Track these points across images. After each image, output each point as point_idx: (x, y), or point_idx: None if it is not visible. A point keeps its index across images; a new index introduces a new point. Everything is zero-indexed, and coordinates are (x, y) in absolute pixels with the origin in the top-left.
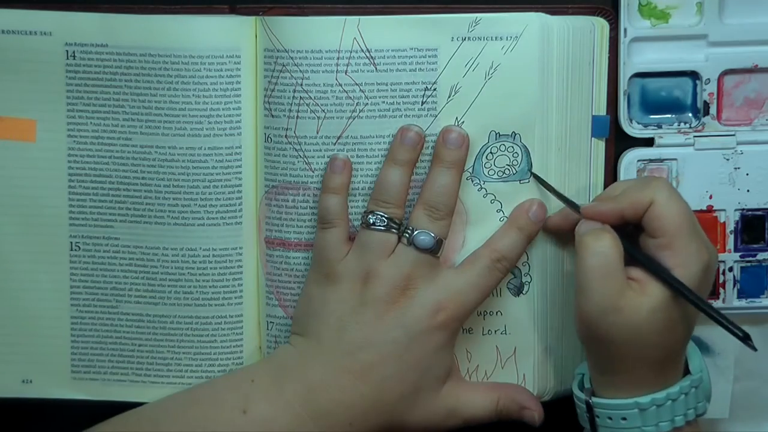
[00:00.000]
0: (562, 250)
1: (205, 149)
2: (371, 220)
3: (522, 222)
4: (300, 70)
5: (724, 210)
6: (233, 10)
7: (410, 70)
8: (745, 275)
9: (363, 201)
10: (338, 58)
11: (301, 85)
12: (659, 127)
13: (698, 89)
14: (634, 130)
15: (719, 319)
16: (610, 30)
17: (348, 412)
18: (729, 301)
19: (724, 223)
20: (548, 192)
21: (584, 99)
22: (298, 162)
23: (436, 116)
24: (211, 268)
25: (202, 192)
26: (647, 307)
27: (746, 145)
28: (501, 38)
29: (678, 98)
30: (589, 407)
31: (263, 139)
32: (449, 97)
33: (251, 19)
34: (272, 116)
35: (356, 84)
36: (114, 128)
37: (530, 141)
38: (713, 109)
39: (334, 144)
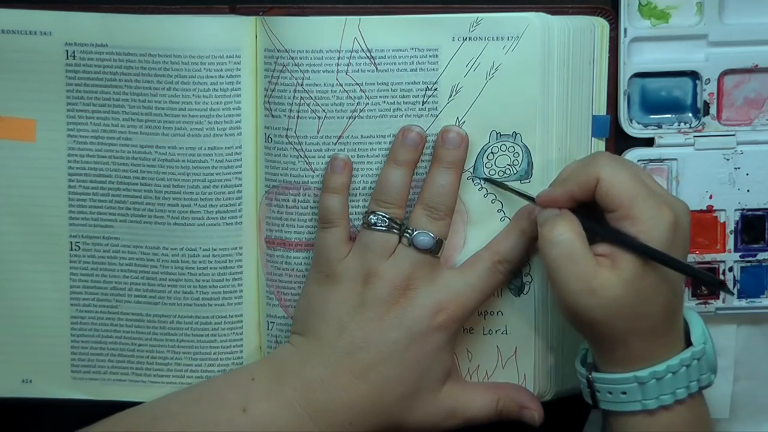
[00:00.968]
0: None
1: (205, 149)
2: (372, 221)
3: (524, 224)
4: (300, 70)
5: (724, 210)
6: (233, 10)
7: (411, 70)
8: (745, 275)
9: (364, 201)
10: (339, 58)
11: (302, 85)
12: (659, 127)
13: (698, 89)
14: (634, 130)
15: (690, 271)
16: (610, 30)
17: (348, 411)
18: (729, 301)
19: (724, 223)
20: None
21: (584, 99)
22: (299, 162)
23: (437, 116)
24: (211, 268)
25: (202, 192)
26: (621, 280)
27: (746, 145)
28: (502, 38)
29: (678, 98)
30: (590, 382)
31: (263, 139)
32: (450, 97)
33: (251, 19)
34: (272, 116)
35: (357, 84)
36: (114, 128)
37: (531, 141)
38: (713, 109)
39: (335, 144)
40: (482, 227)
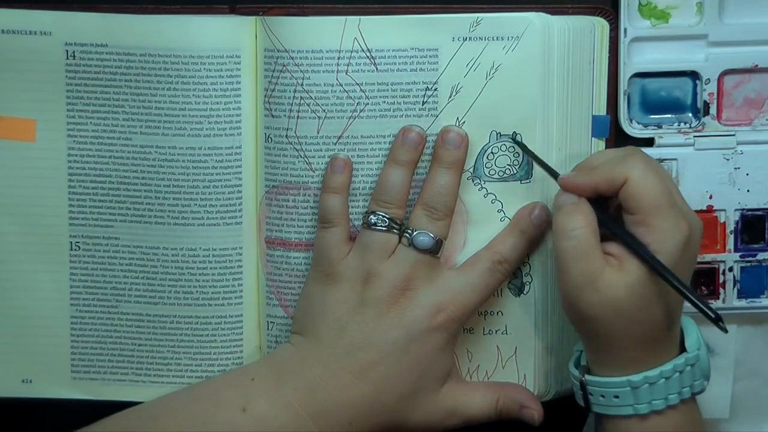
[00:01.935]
0: None
1: (205, 149)
2: (372, 221)
3: (524, 225)
4: (300, 70)
5: (724, 210)
6: (233, 10)
7: (411, 70)
8: (745, 275)
9: (364, 201)
10: (339, 58)
11: (302, 85)
12: (659, 127)
13: (698, 89)
14: (634, 130)
15: (691, 297)
16: (610, 30)
17: (347, 411)
18: (729, 301)
19: (724, 223)
20: (534, 163)
21: (584, 99)
22: (299, 162)
23: (437, 116)
24: (211, 268)
25: (202, 192)
26: (625, 283)
27: (746, 145)
28: (502, 38)
29: (678, 98)
30: (583, 385)
31: (263, 139)
32: (450, 97)
33: (251, 19)
34: (272, 116)
35: (357, 84)
36: (114, 128)
37: (531, 141)
38: (713, 109)
39: (335, 144)
40: (482, 227)
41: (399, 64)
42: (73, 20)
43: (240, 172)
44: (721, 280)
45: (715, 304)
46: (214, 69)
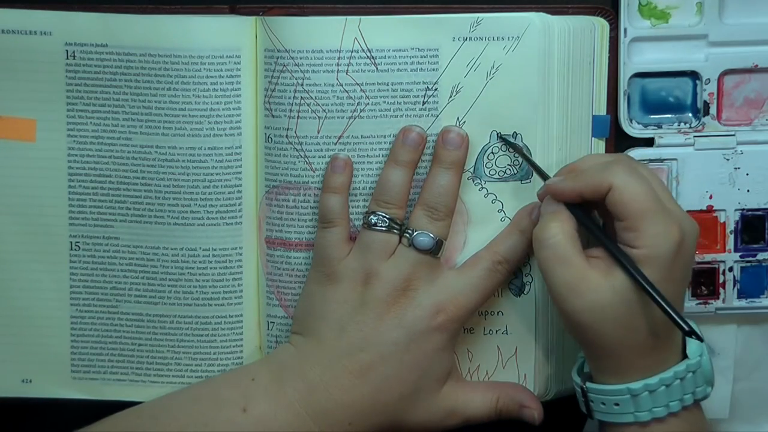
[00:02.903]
0: None
1: (205, 149)
2: (373, 221)
3: (524, 225)
4: (301, 70)
5: (724, 210)
6: (233, 10)
7: (411, 70)
8: (745, 275)
9: (364, 201)
10: (339, 58)
11: (302, 85)
12: (659, 127)
13: (698, 89)
14: (634, 130)
15: (668, 311)
16: (610, 30)
17: (347, 411)
18: (729, 301)
19: (724, 223)
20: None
21: (584, 99)
22: (299, 162)
23: (438, 116)
24: (211, 268)
25: (202, 192)
26: (611, 287)
27: (746, 145)
28: (502, 38)
29: (678, 98)
30: (584, 392)
31: (263, 139)
32: (450, 97)
33: (251, 19)
34: (273, 116)
35: (357, 84)
36: (114, 128)
37: (531, 141)
38: (713, 109)
39: (335, 144)
40: (483, 227)
41: (399, 64)
42: (73, 20)
43: (240, 172)
44: (721, 280)
45: (715, 303)
46: (214, 69)
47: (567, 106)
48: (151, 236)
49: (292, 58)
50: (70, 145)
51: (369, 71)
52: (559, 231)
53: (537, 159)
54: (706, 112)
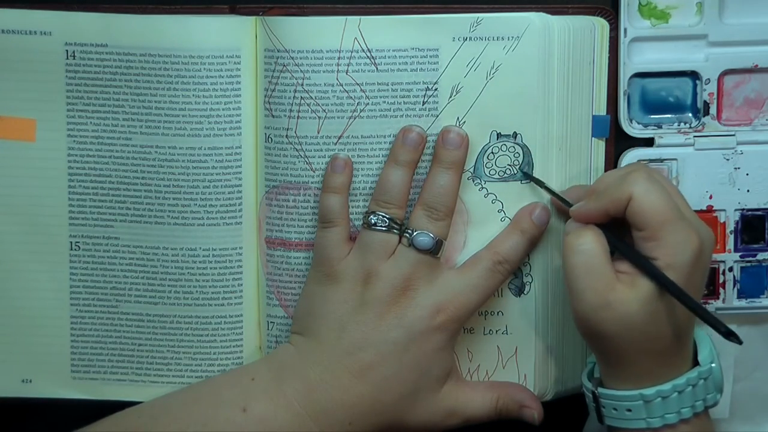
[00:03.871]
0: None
1: (205, 149)
2: (372, 221)
3: (525, 225)
4: (301, 70)
5: (724, 210)
6: (233, 10)
7: (411, 70)
8: (745, 275)
9: (364, 201)
10: (339, 58)
11: (302, 85)
12: (659, 127)
13: (698, 89)
14: (634, 130)
15: (701, 312)
16: (610, 30)
17: (347, 411)
18: (729, 301)
19: (724, 223)
20: (544, 191)
21: (584, 99)
22: (299, 162)
23: (438, 116)
24: (211, 268)
25: (202, 192)
26: (637, 299)
27: (746, 145)
28: (502, 38)
29: (678, 98)
30: (596, 397)
31: (263, 139)
32: (450, 97)
33: (251, 19)
34: (273, 116)
35: (357, 84)
36: (114, 128)
37: (531, 141)
38: (713, 109)
39: (335, 144)
40: (483, 227)
41: (399, 64)
42: (73, 20)
43: (240, 172)
44: (721, 280)
45: (715, 304)
46: (214, 69)
47: (567, 106)
48: (151, 236)
49: (292, 58)
50: (70, 145)
51: (369, 71)
52: (594, 240)
53: (537, 159)
54: (706, 112)
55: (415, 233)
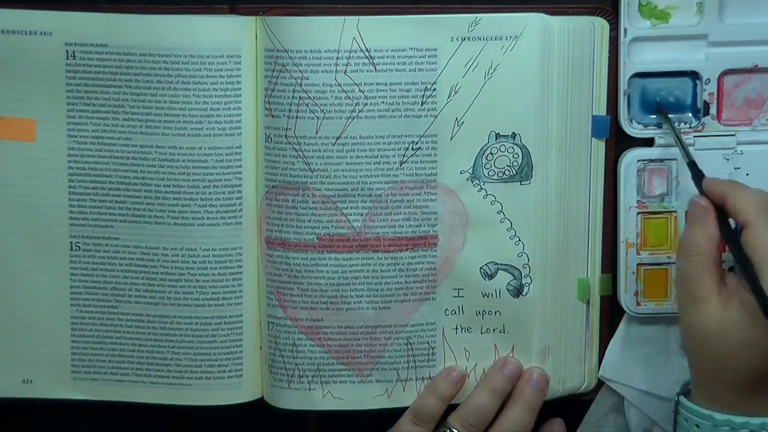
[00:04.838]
0: (563, 252)
1: (205, 149)
2: None
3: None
4: (299, 70)
5: None
6: (233, 10)
7: (410, 70)
8: None
9: (362, 201)
10: (337, 58)
11: (301, 85)
12: (659, 127)
13: (698, 89)
14: (634, 130)
15: None
16: (610, 30)
17: None
18: None
19: None
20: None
21: (584, 99)
22: (298, 162)
23: (436, 117)
24: (211, 268)
25: (202, 192)
26: (719, 318)
27: (746, 145)
28: (500, 38)
29: (678, 98)
30: (675, 404)
31: (263, 139)
32: (449, 97)
33: (251, 19)
34: (272, 116)
35: (355, 84)
36: (114, 128)
37: (530, 141)
38: (713, 109)
39: (333, 144)
40: (482, 229)
41: (398, 64)
42: (73, 20)
43: (240, 172)
44: None
45: None
46: (214, 69)
47: (567, 106)
48: (151, 236)
49: (291, 57)
50: (70, 145)
51: (367, 71)
52: (706, 243)
53: (536, 159)
54: (706, 112)
55: None
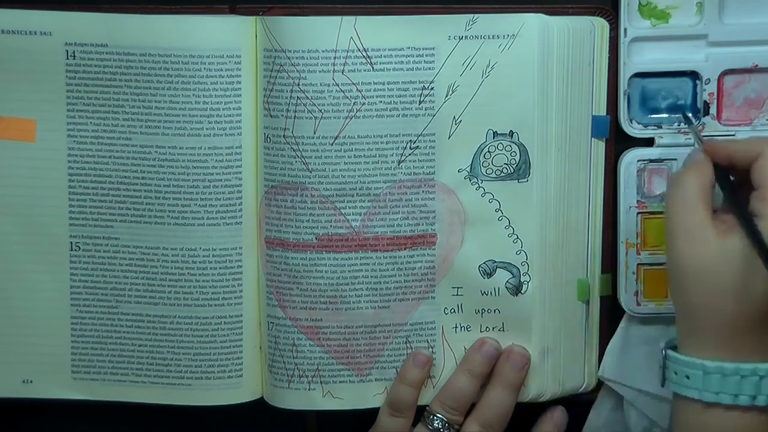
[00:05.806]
0: (562, 251)
1: (205, 149)
2: (437, 426)
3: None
4: (297, 70)
5: None
6: (233, 10)
7: (407, 70)
8: None
9: (361, 201)
10: (335, 58)
11: (298, 85)
12: (659, 127)
13: (698, 89)
14: (634, 130)
15: None
16: (610, 30)
17: None
18: None
19: None
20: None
21: (584, 99)
22: (296, 162)
23: (434, 116)
24: (211, 268)
25: (202, 192)
26: (720, 248)
27: None
28: (497, 37)
29: (678, 98)
30: (663, 357)
31: (263, 138)
32: (447, 96)
33: (251, 19)
34: (271, 116)
35: (353, 83)
36: (114, 128)
37: (528, 140)
38: (713, 109)
39: (332, 144)
40: (480, 227)
41: (395, 63)
42: (73, 20)
43: (240, 172)
44: None
45: None
46: (214, 69)
47: (566, 106)
48: (151, 236)
49: (289, 57)
50: (70, 145)
51: (365, 71)
52: (697, 177)
53: (535, 159)
54: (706, 112)
55: None
